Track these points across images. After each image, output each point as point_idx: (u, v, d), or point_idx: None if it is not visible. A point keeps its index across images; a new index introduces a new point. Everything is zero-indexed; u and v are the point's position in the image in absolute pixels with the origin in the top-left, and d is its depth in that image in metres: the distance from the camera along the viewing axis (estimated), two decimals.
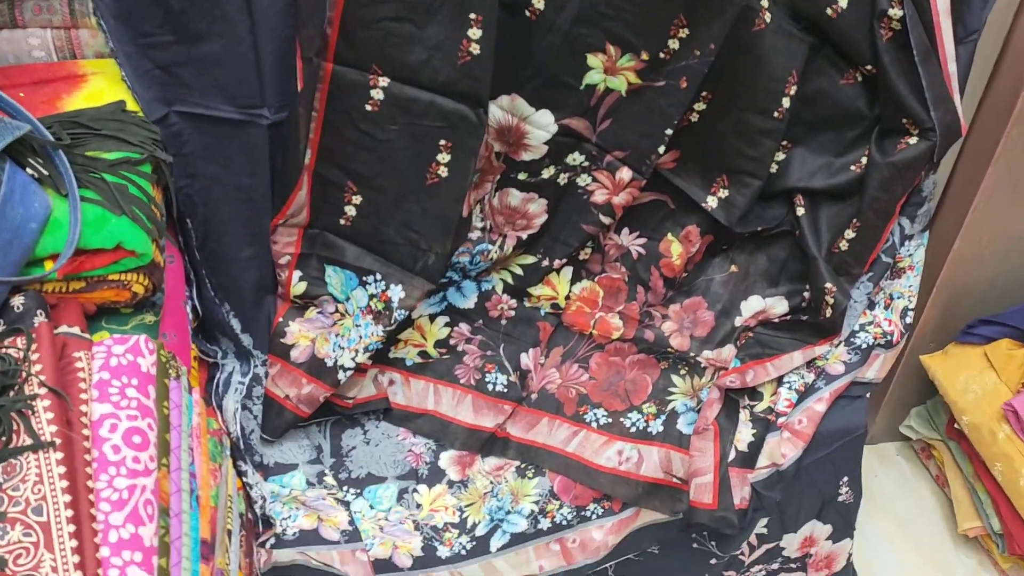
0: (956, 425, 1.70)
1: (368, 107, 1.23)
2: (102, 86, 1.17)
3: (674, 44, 1.23)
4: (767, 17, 1.20)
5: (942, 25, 1.21)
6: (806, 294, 1.42)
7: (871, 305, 1.45)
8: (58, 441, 0.90)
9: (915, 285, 1.45)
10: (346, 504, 1.39)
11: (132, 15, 1.15)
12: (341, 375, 1.35)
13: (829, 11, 1.22)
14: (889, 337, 1.43)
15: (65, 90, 1.15)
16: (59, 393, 0.93)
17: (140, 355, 1.04)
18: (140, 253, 1.07)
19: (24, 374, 0.93)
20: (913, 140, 1.29)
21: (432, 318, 1.46)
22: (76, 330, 1.04)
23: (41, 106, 1.12)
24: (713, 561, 1.46)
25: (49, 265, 1.03)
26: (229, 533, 1.20)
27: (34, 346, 0.96)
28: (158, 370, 1.06)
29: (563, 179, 1.37)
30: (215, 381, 1.37)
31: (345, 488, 1.41)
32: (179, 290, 1.25)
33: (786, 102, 1.29)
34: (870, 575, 1.73)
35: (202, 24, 1.17)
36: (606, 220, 1.39)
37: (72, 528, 0.87)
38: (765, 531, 1.45)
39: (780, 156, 1.38)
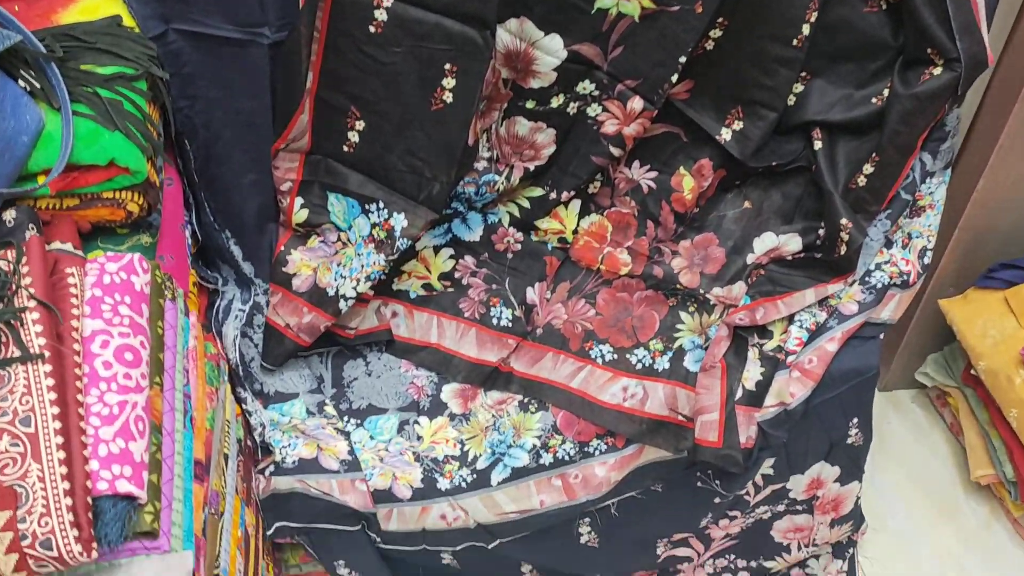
0: (972, 371, 1.67)
1: (371, 28, 1.20)
2: (97, 0, 1.14)
3: None
4: None
5: None
6: (821, 232, 1.38)
7: (888, 244, 1.40)
8: (47, 354, 0.89)
9: (935, 225, 1.40)
10: (346, 434, 1.38)
11: None
12: (342, 304, 1.34)
13: None
14: (906, 277, 1.38)
15: (60, 3, 1.13)
16: (49, 306, 0.92)
17: (134, 273, 1.02)
18: (134, 171, 1.05)
19: (13, 287, 0.92)
20: (937, 71, 1.24)
21: (436, 250, 1.43)
22: (69, 247, 1.02)
23: (35, 19, 1.10)
24: (717, 500, 1.44)
25: (42, 180, 1.01)
26: (226, 457, 1.19)
27: (24, 259, 0.95)
28: (152, 289, 1.04)
29: (572, 108, 1.33)
30: (215, 308, 1.36)
31: (345, 418, 1.40)
32: (177, 213, 1.23)
33: (806, 29, 1.24)
34: (878, 521, 1.71)
35: None
36: (616, 152, 1.36)
37: (60, 440, 0.86)
38: (771, 472, 1.43)
39: (798, 88, 1.33)
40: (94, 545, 0.84)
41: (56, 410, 0.87)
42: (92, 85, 1.05)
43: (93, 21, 1.11)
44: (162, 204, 1.19)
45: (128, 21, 1.14)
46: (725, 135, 1.35)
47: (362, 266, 1.33)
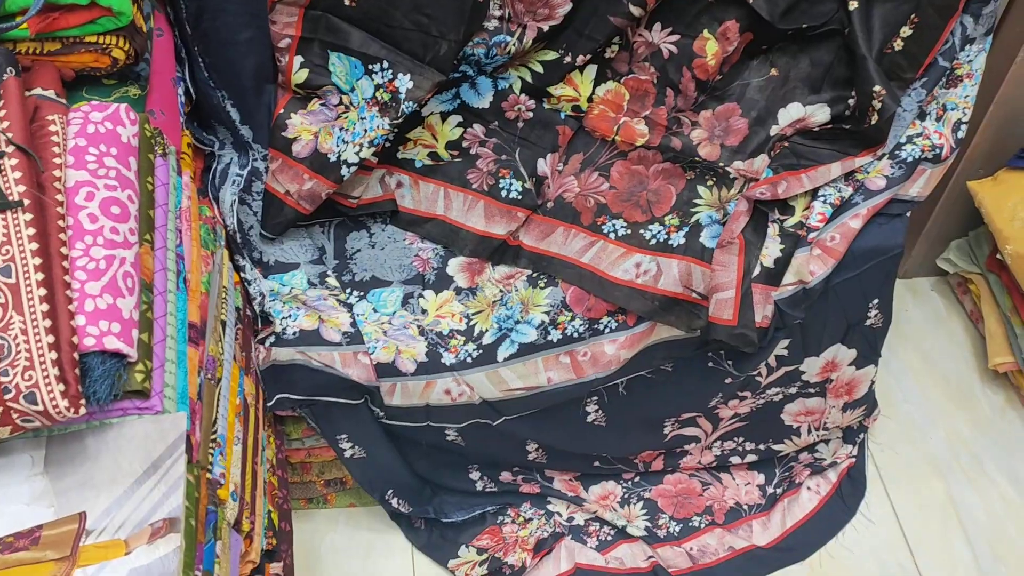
0: (998, 255, 1.61)
1: None
2: None
3: None
4: None
5: None
6: (851, 102, 1.30)
7: (921, 115, 1.33)
8: (27, 201, 0.84)
9: (972, 96, 1.32)
10: (348, 306, 1.33)
11: None
12: (345, 171, 1.27)
13: None
14: (938, 151, 1.31)
15: None
16: (27, 152, 0.86)
17: (120, 124, 0.96)
18: (118, 11, 0.98)
19: None
20: None
21: (444, 117, 1.36)
22: (51, 93, 0.96)
23: None
24: (728, 381, 1.40)
25: (19, 19, 0.94)
26: (223, 324, 1.15)
27: (1, 103, 0.88)
28: (141, 143, 0.98)
29: None
30: (211, 171, 1.30)
31: (348, 290, 1.35)
32: (168, 66, 1.16)
33: None
34: (890, 407, 1.68)
35: None
36: (636, 11, 1.27)
37: (43, 292, 0.81)
38: (785, 353, 1.38)
39: None
40: (82, 402, 0.80)
41: (38, 261, 0.82)
42: None
43: None
44: (151, 54, 1.11)
45: None
46: None
47: (365, 130, 1.26)
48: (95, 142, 0.93)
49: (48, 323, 0.80)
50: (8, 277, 0.81)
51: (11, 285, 0.80)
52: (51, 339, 0.80)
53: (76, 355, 0.81)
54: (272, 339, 1.28)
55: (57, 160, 0.89)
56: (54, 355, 0.79)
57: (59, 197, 0.87)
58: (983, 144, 1.56)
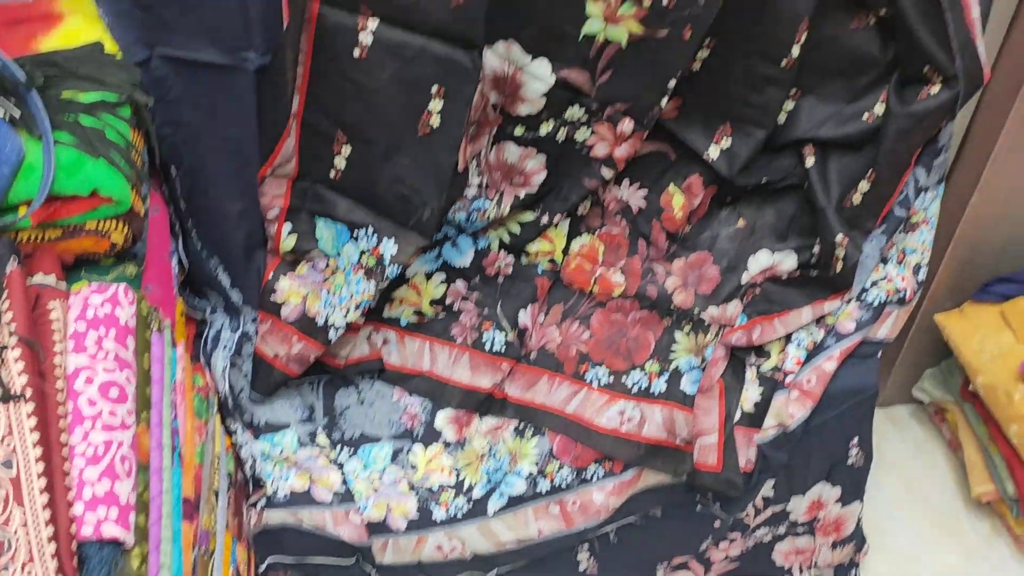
0: (971, 387, 1.65)
1: (356, 52, 1.17)
2: (79, 26, 1.12)
3: None
4: None
5: None
6: (816, 249, 1.37)
7: (884, 260, 1.39)
8: (29, 391, 0.86)
9: (929, 240, 1.39)
10: (339, 465, 1.35)
11: None
12: (332, 334, 1.31)
13: None
14: (902, 294, 1.37)
15: (40, 30, 1.10)
16: (31, 343, 0.89)
17: (119, 305, 1.00)
18: (117, 200, 1.03)
19: None
20: (935, 89, 1.22)
21: (428, 276, 1.41)
22: (52, 279, 1.00)
23: (15, 46, 1.07)
24: (717, 524, 1.42)
25: (23, 211, 0.98)
26: (216, 493, 1.16)
27: (5, 295, 0.92)
28: (138, 322, 1.02)
29: (562, 134, 1.31)
30: (203, 337, 1.33)
31: (338, 448, 1.37)
32: (163, 241, 1.21)
33: (795, 51, 1.23)
34: (880, 539, 1.69)
35: None
36: (607, 174, 1.34)
37: (44, 483, 0.83)
38: (772, 493, 1.41)
39: (788, 105, 1.31)
40: None
41: (39, 451, 0.84)
42: (74, 113, 1.02)
43: (75, 48, 1.08)
44: (147, 233, 1.16)
45: (111, 47, 1.12)
46: (713, 153, 1.34)
47: (351, 295, 1.30)
48: (94, 325, 0.96)
49: (48, 514, 0.82)
50: (10, 470, 0.82)
51: (13, 479, 0.82)
52: (51, 530, 0.81)
53: (74, 545, 0.82)
54: (263, 502, 1.29)
55: (58, 347, 0.92)
56: (53, 547, 0.80)
57: (59, 384, 0.90)
58: (947, 279, 1.63)
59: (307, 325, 1.32)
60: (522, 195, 1.35)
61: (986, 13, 1.23)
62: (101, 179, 1.01)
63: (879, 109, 1.29)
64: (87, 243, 1.05)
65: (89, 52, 1.08)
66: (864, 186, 1.30)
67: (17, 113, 0.98)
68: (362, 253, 1.31)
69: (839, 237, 1.30)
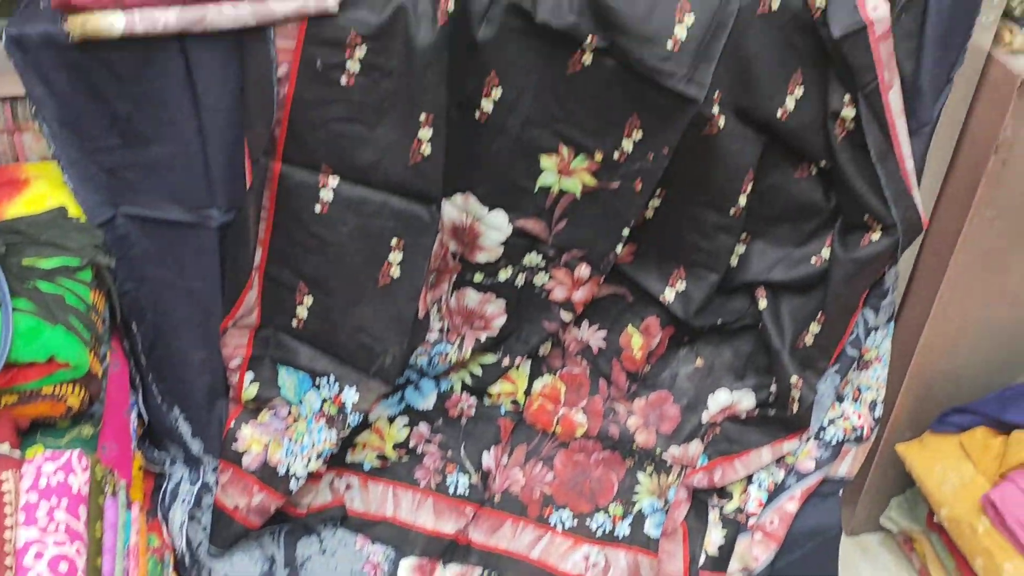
0: (935, 518, 1.66)
1: (318, 208, 1.21)
2: (44, 190, 1.15)
3: (627, 145, 1.22)
4: (720, 122, 1.19)
5: (896, 124, 1.21)
6: (773, 388, 1.39)
7: (839, 398, 1.41)
8: None
9: (883, 377, 1.42)
10: None
11: (78, 120, 1.13)
12: (293, 484, 1.31)
13: (779, 113, 1.21)
14: (859, 432, 1.39)
15: (6, 195, 1.13)
16: None
17: (72, 472, 0.99)
18: (75, 365, 1.03)
19: None
20: (876, 236, 1.27)
21: (391, 420, 1.42)
22: (6, 447, 1.00)
23: None
24: None
25: None
26: None
27: None
28: (91, 488, 1.01)
29: (520, 280, 1.34)
30: (162, 491, 1.32)
31: None
32: (122, 398, 1.21)
33: (742, 200, 1.28)
34: None
35: (149, 128, 1.15)
36: (567, 316, 1.37)
37: None
38: None
39: (739, 249, 1.36)
40: None
41: None
42: (34, 280, 1.04)
43: (38, 214, 1.11)
44: (106, 390, 1.16)
45: (74, 211, 1.15)
46: (668, 296, 1.37)
47: (313, 443, 1.30)
48: (47, 495, 0.96)
49: None
50: None
51: None
52: None
53: None
54: None
55: (8, 521, 0.92)
56: None
57: (8, 561, 0.89)
58: (905, 411, 1.65)
59: (268, 475, 1.31)
60: (483, 338, 1.37)
61: (922, 161, 1.30)
62: (59, 345, 1.02)
63: (826, 253, 1.33)
64: (43, 408, 1.05)
65: (53, 217, 1.11)
66: (815, 328, 1.33)
67: None
68: (324, 401, 1.31)
69: (794, 379, 1.33)
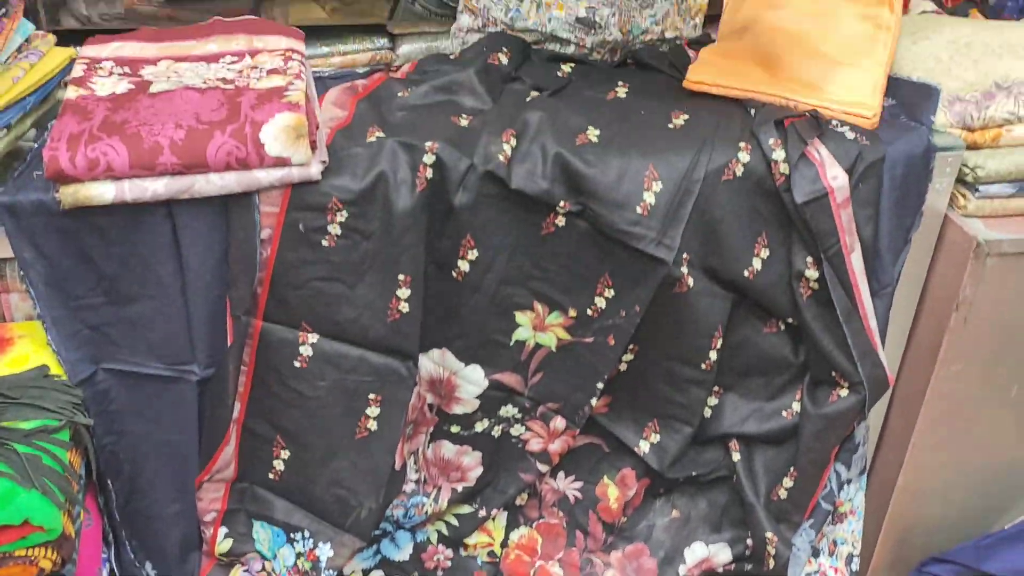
0: None
1: (297, 363, 1.24)
2: (28, 350, 1.17)
3: (600, 303, 1.26)
4: (689, 281, 1.24)
5: (859, 284, 1.26)
6: (749, 542, 1.39)
7: (815, 553, 1.41)
8: None
9: (858, 530, 1.43)
10: None
11: (65, 280, 1.17)
12: None
13: (746, 272, 1.26)
14: None
15: None
16: None
17: None
18: (49, 528, 1.03)
19: None
20: (843, 392, 1.31)
21: (366, 573, 1.40)
22: None
23: None
24: None
25: None
26: None
27: None
28: None
29: (497, 431, 1.36)
30: None
31: None
32: (94, 557, 1.20)
33: (713, 355, 1.31)
34: None
35: (134, 287, 1.19)
36: (543, 468, 1.38)
37: None
38: None
39: (712, 401, 1.38)
40: None
41: None
42: (12, 442, 1.05)
43: (20, 374, 1.13)
44: (79, 549, 1.16)
45: (56, 368, 1.17)
46: (643, 447, 1.39)
47: None
48: None
49: None
50: None
51: None
52: None
53: None
54: None
55: None
56: None
57: None
58: (883, 562, 1.64)
59: None
60: (460, 489, 1.38)
61: (885, 320, 1.34)
62: (33, 509, 1.02)
63: (797, 407, 1.36)
64: (15, 571, 1.05)
65: (34, 376, 1.13)
66: (788, 482, 1.35)
67: None
68: (298, 556, 1.31)
69: (768, 534, 1.33)
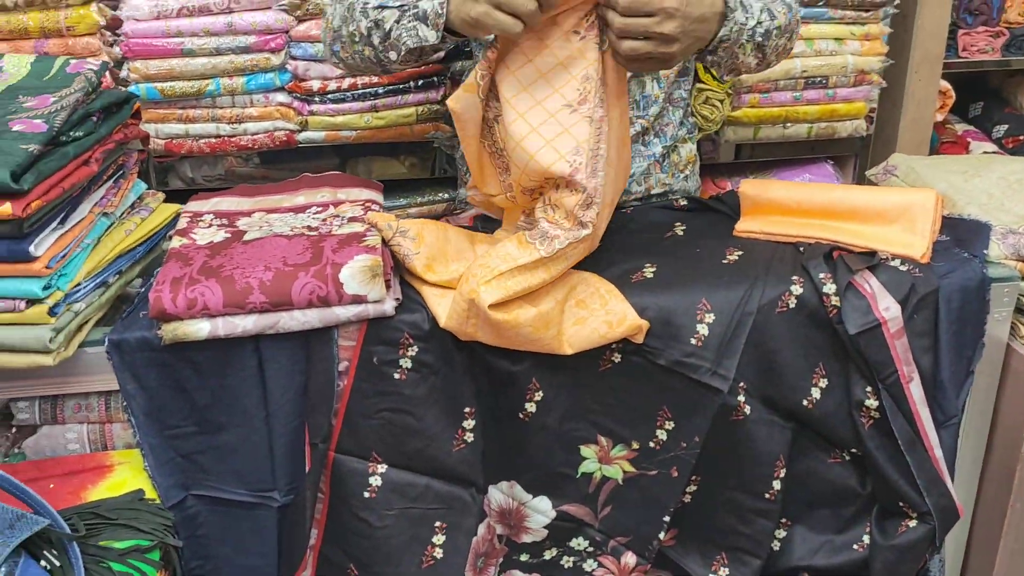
0: None
1: (367, 494, 1.30)
2: (126, 476, 1.27)
3: (661, 435, 1.30)
4: (746, 409, 1.27)
5: (921, 413, 1.26)
6: None
7: None
8: None
9: None
10: None
11: (162, 410, 1.27)
12: None
13: (805, 402, 1.28)
14: None
15: (91, 480, 1.26)
16: None
17: None
18: None
19: None
20: (912, 523, 1.29)
21: None
22: None
23: (67, 497, 1.22)
24: None
25: None
26: None
27: None
28: None
29: (567, 562, 1.38)
30: None
31: None
32: None
33: (776, 484, 1.32)
34: None
35: (223, 417, 1.29)
36: None
37: None
38: None
39: (781, 534, 1.38)
40: None
41: None
42: (107, 560, 1.13)
43: (117, 497, 1.22)
44: None
45: (151, 493, 1.26)
46: None
47: None
48: None
49: None
50: None
51: None
52: None
53: None
54: None
55: None
56: None
57: None
58: None
59: None
60: None
61: (952, 451, 1.33)
62: None
63: (867, 539, 1.34)
64: None
65: (130, 500, 1.22)
66: None
67: (57, 563, 1.10)
68: None
69: None
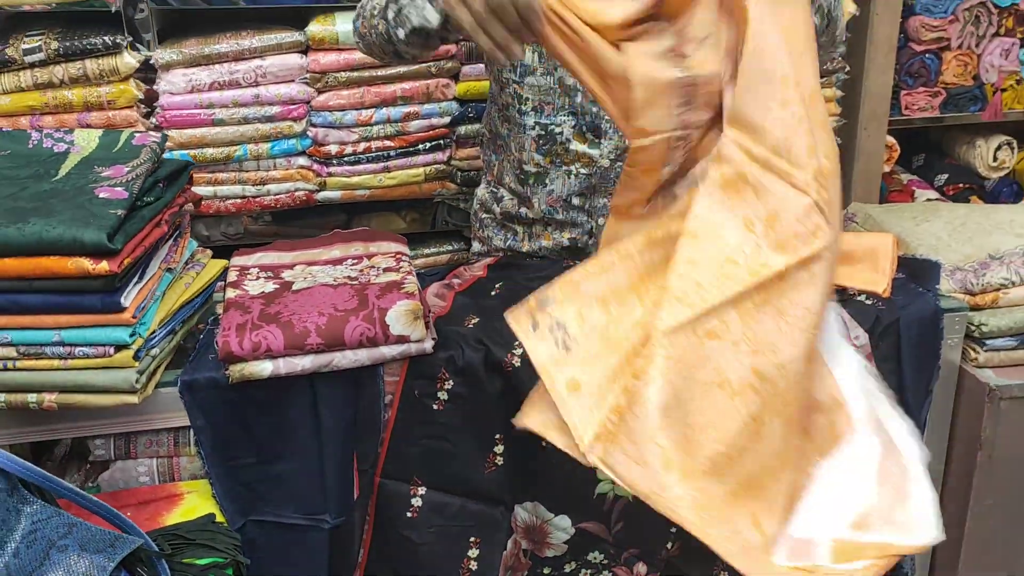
0: None
1: (409, 514, 1.45)
2: (195, 503, 1.41)
3: None
4: None
5: None
6: None
7: None
8: None
9: None
10: None
11: (227, 443, 1.42)
12: None
13: None
14: None
15: (165, 508, 1.40)
16: None
17: None
18: None
19: None
20: None
21: None
22: None
23: (145, 523, 1.35)
24: None
25: None
26: None
27: None
28: None
29: (585, 573, 1.54)
30: None
31: None
32: None
33: None
34: None
35: (280, 447, 1.44)
36: None
37: None
38: None
39: None
40: None
41: None
42: (191, 575, 1.28)
43: (193, 520, 1.37)
44: None
45: (220, 517, 1.40)
46: None
47: None
48: None
49: None
50: None
51: None
52: None
53: None
54: None
55: None
56: None
57: None
58: None
59: None
60: None
61: None
62: None
63: None
64: None
65: (203, 523, 1.36)
66: None
67: None
68: None
69: None
